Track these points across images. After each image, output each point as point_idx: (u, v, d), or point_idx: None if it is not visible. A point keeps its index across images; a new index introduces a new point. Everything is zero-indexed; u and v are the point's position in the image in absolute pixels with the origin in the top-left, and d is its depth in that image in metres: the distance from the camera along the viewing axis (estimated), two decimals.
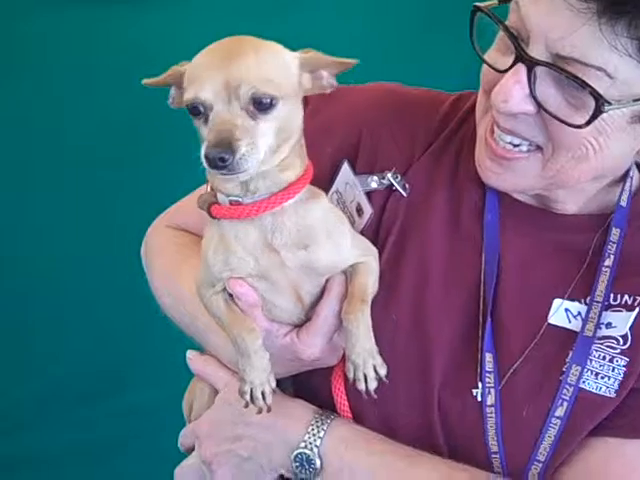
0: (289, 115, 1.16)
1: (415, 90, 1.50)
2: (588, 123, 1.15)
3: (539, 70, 1.16)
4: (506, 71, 1.19)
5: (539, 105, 1.18)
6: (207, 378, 1.46)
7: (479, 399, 1.30)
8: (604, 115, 1.15)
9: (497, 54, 1.25)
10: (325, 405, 1.37)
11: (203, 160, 1.10)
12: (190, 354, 1.48)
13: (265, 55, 1.15)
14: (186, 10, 2.79)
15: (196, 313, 1.43)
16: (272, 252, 1.23)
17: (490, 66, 1.24)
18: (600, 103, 1.13)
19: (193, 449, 1.46)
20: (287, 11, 2.77)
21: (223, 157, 1.08)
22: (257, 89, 1.10)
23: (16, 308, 2.83)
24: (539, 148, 1.24)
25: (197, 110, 1.13)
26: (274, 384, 1.28)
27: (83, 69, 2.77)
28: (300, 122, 1.21)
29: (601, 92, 1.13)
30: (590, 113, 1.14)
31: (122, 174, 2.81)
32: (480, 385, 1.30)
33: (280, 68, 1.16)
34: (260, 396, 1.26)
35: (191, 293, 1.44)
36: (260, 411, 1.27)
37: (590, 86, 1.13)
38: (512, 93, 1.18)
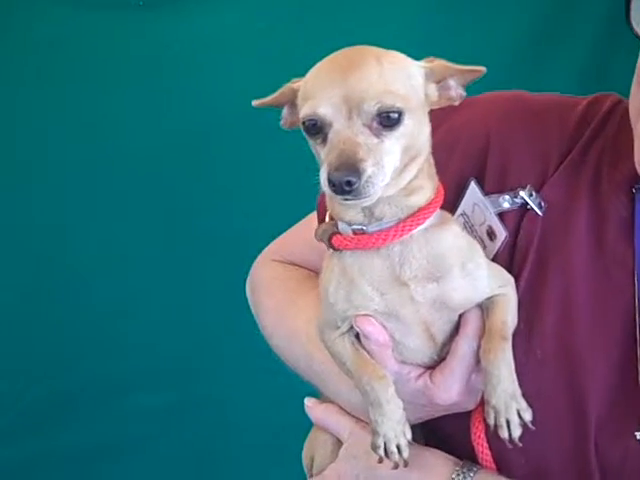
0: (416, 131, 1.05)
1: (541, 96, 1.36)
2: None
3: None
4: None
5: None
6: (329, 427, 1.33)
7: None
8: None
9: None
10: (463, 455, 1.23)
11: (325, 185, 0.99)
12: (309, 402, 1.36)
13: (388, 66, 1.03)
14: (204, 15, 2.76)
15: (313, 355, 1.32)
16: (400, 286, 1.10)
17: None
18: None
19: None
20: (306, 13, 2.72)
21: (350, 180, 0.96)
22: (382, 103, 0.99)
23: (32, 312, 2.84)
24: None
25: (314, 129, 1.02)
26: (410, 436, 1.15)
27: (99, 74, 2.76)
28: (427, 138, 1.10)
29: None
30: None
31: (143, 181, 2.81)
32: None
33: (405, 79, 1.05)
34: (395, 450, 1.13)
35: (306, 333, 1.34)
36: (396, 466, 1.14)
37: None
38: None
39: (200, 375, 2.92)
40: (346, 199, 1.00)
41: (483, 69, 1.09)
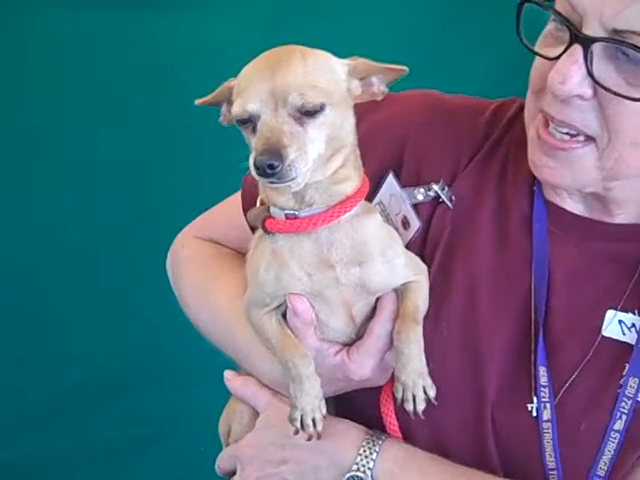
0: (339, 122, 1.13)
1: (456, 98, 1.46)
2: None
3: (596, 49, 1.12)
4: (559, 57, 1.15)
5: (597, 84, 1.13)
6: (247, 399, 1.40)
7: (534, 414, 1.27)
8: None
9: (546, 49, 1.21)
10: (372, 425, 1.33)
11: (252, 169, 1.07)
12: (228, 374, 1.43)
13: (312, 62, 1.12)
14: (208, 15, 2.80)
15: (234, 329, 1.39)
16: (327, 268, 1.19)
17: (542, 56, 1.20)
18: None
19: (232, 473, 1.40)
20: (308, 15, 2.78)
21: (272, 164, 1.05)
22: (304, 95, 1.08)
23: (35, 310, 2.84)
24: (593, 140, 1.20)
25: (245, 120, 1.10)
26: (325, 411, 1.24)
27: (105, 72, 2.78)
28: (352, 130, 1.18)
29: None
30: None
31: (144, 181, 2.82)
32: (535, 400, 1.27)
33: (327, 75, 1.14)
34: (311, 423, 1.22)
35: (229, 309, 1.40)
36: (310, 438, 1.23)
37: None
38: (570, 74, 1.13)
39: (200, 378, 2.85)
40: (271, 182, 1.08)
41: (405, 69, 1.18)
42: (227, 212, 1.52)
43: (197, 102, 1.22)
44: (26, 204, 2.82)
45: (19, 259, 2.83)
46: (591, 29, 1.12)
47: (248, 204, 1.41)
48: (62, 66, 2.78)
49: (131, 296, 2.85)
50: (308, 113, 1.09)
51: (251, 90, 1.10)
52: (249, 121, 1.10)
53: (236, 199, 1.51)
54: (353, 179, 1.20)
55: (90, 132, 2.80)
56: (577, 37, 1.13)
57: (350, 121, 1.17)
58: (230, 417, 1.44)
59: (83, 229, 2.83)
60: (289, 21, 2.74)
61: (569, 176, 1.24)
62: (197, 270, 1.53)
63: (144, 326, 2.86)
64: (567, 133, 1.20)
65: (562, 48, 1.15)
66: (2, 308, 2.84)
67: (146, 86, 2.80)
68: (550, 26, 1.22)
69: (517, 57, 1.25)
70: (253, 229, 1.34)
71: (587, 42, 1.12)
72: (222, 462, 1.43)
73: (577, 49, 1.13)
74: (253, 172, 1.07)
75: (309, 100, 1.08)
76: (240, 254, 1.48)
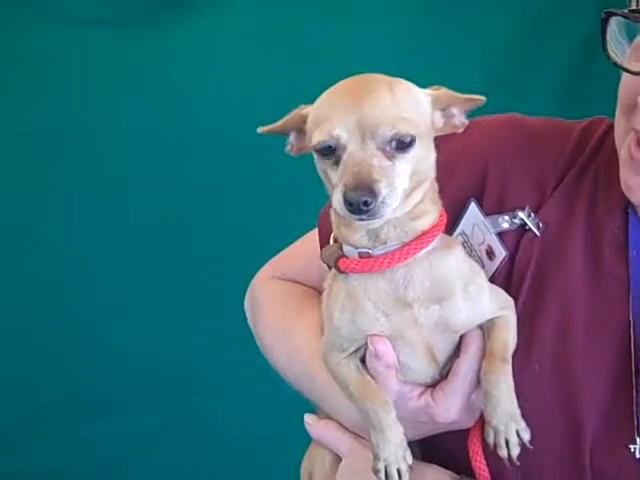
0: (423, 156, 1.08)
1: (536, 120, 1.39)
2: None
3: None
4: None
5: None
6: (328, 444, 1.35)
7: (637, 456, 1.17)
8: None
9: (636, 64, 1.14)
10: (460, 469, 1.26)
11: (341, 206, 1.01)
12: (308, 419, 1.37)
13: (399, 92, 1.07)
14: (198, 30, 2.84)
15: (313, 372, 1.34)
16: (404, 308, 1.13)
17: (633, 72, 1.13)
18: None
19: None
20: (298, 26, 2.81)
21: (367, 200, 0.99)
22: (397, 129, 1.02)
23: (25, 324, 2.86)
24: None
25: (327, 151, 1.04)
26: (410, 460, 1.17)
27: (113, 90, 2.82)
28: (433, 163, 1.12)
29: None
30: None
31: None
32: (638, 440, 1.18)
33: (415, 106, 1.08)
34: (396, 474, 1.16)
35: (308, 351, 1.36)
36: None
37: None
38: None
39: (189, 396, 2.94)
40: (361, 219, 1.02)
41: (483, 98, 1.13)
42: (304, 250, 1.47)
43: (261, 130, 1.16)
44: (26, 214, 2.86)
45: (16, 270, 2.86)
46: None
47: (324, 241, 1.36)
48: (59, 81, 2.83)
49: (123, 310, 2.87)
50: (398, 146, 1.03)
51: (336, 119, 1.04)
52: (332, 152, 1.04)
53: (312, 236, 1.46)
54: (431, 213, 1.14)
55: (90, 145, 2.84)
56: None
57: (432, 154, 1.12)
58: (312, 462, 1.39)
59: (84, 242, 2.86)
60: (286, 33, 2.79)
61: None
62: (276, 311, 1.49)
63: (136, 341, 2.87)
64: None
65: None
66: None
67: (145, 100, 2.84)
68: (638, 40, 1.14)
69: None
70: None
71: None
72: None
73: None
74: (341, 208, 1.02)
75: (401, 133, 1.03)
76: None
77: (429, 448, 1.30)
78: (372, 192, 0.99)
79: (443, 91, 1.12)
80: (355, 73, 1.11)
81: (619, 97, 1.20)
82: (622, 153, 1.21)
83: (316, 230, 1.46)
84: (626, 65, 1.16)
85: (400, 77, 1.11)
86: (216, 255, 2.81)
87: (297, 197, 2.32)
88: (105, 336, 2.87)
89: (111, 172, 2.84)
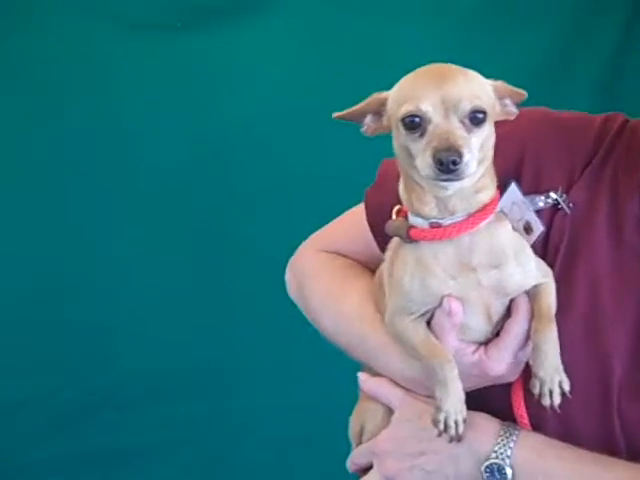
0: (489, 134, 1.24)
1: (565, 113, 1.57)
2: None
3: None
4: None
5: None
6: (380, 397, 1.49)
7: None
8: None
9: None
10: (501, 418, 1.41)
11: (430, 167, 1.15)
12: (362, 376, 1.52)
13: (473, 78, 1.24)
14: (240, 36, 2.92)
15: (365, 333, 1.47)
16: (470, 271, 1.28)
17: None
18: None
19: (366, 470, 1.49)
20: (336, 32, 2.91)
21: (455, 160, 1.14)
22: (474, 103, 1.18)
23: (69, 314, 2.93)
24: None
25: (413, 124, 1.19)
26: (465, 414, 1.32)
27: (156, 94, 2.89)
28: (493, 143, 1.28)
29: None
30: None
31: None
32: None
33: (483, 89, 1.25)
34: (453, 425, 1.31)
35: (358, 314, 1.50)
36: (451, 440, 1.32)
37: None
38: None
39: (224, 386, 3.01)
40: (449, 179, 1.17)
41: (525, 93, 1.30)
42: (349, 225, 1.61)
43: (335, 115, 1.29)
44: (82, 214, 2.95)
45: (50, 265, 2.94)
46: None
47: (374, 217, 1.51)
48: (100, 84, 2.90)
49: (167, 301, 2.95)
50: (474, 121, 1.19)
51: (422, 96, 1.19)
52: (417, 126, 1.19)
53: (356, 213, 1.61)
54: (490, 188, 1.30)
55: (125, 150, 2.92)
56: None
57: (493, 136, 1.27)
58: (362, 416, 1.52)
59: (118, 236, 2.95)
60: (325, 40, 2.89)
61: None
62: (323, 280, 1.63)
63: (179, 332, 2.95)
64: None
65: None
66: (37, 312, 2.93)
67: (183, 105, 2.92)
68: None
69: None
70: (380, 242, 1.45)
71: None
72: (357, 459, 1.52)
73: None
74: (431, 169, 1.16)
75: (477, 107, 1.19)
76: (363, 266, 1.60)
77: (473, 402, 1.43)
78: (459, 153, 1.14)
79: (500, 83, 1.28)
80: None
81: None
82: None
83: (358, 207, 1.61)
84: None
85: None
86: (245, 247, 2.91)
87: (320, 193, 2.44)
88: (153, 325, 2.93)
89: (171, 173, 2.91)
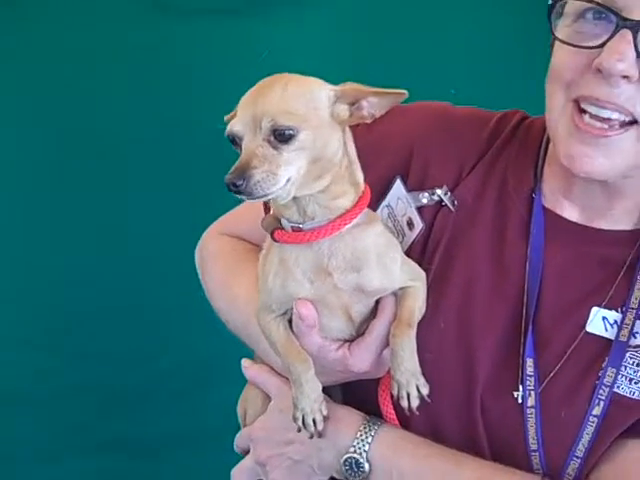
0: (320, 144, 1.20)
1: (463, 109, 1.55)
2: None
3: None
4: (604, 43, 1.21)
5: None
6: (260, 385, 1.52)
7: (520, 401, 1.36)
8: None
9: (581, 42, 1.26)
10: (372, 412, 1.43)
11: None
12: (245, 362, 1.55)
13: (291, 89, 1.20)
14: (292, 21, 2.80)
15: (249, 319, 1.48)
16: (326, 275, 1.29)
17: (583, 47, 1.25)
18: None
19: (248, 451, 1.52)
20: (383, 22, 2.79)
21: (235, 183, 1.14)
22: (275, 122, 1.16)
23: (128, 300, 2.92)
24: (632, 124, 1.26)
25: (234, 143, 1.21)
26: (326, 412, 1.35)
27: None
28: (338, 150, 1.25)
29: None
30: None
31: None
32: (521, 388, 1.36)
33: (305, 101, 1.20)
34: (312, 423, 1.34)
35: (245, 299, 1.52)
36: (311, 436, 1.35)
37: None
38: (626, 52, 1.20)
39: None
40: (241, 198, 1.17)
41: (404, 93, 1.23)
42: (249, 210, 1.60)
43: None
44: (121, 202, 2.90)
45: (111, 252, 2.92)
46: (637, 16, 1.19)
47: (268, 209, 1.52)
48: (151, 72, 2.82)
49: None
50: (281, 137, 1.17)
51: (239, 114, 1.20)
52: (237, 143, 1.20)
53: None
54: (349, 193, 1.28)
55: (173, 135, 2.82)
56: (625, 23, 1.20)
57: (335, 143, 1.23)
58: (246, 401, 1.56)
59: (175, 226, 2.81)
60: (375, 29, 2.77)
61: (608, 164, 1.29)
62: (221, 264, 1.65)
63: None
64: (607, 119, 1.25)
65: (603, 37, 1.22)
66: (97, 298, 2.93)
67: (236, 91, 2.81)
68: (575, 24, 1.28)
69: None
70: None
71: (636, 27, 1.19)
72: (239, 441, 1.56)
73: (627, 33, 1.20)
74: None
75: (279, 124, 1.16)
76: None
77: (349, 395, 1.48)
78: (243, 176, 1.14)
79: (349, 86, 1.24)
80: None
81: (555, 74, 1.31)
82: (562, 127, 1.32)
83: None
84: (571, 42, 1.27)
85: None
86: None
87: None
88: (207, 310, 2.91)
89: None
